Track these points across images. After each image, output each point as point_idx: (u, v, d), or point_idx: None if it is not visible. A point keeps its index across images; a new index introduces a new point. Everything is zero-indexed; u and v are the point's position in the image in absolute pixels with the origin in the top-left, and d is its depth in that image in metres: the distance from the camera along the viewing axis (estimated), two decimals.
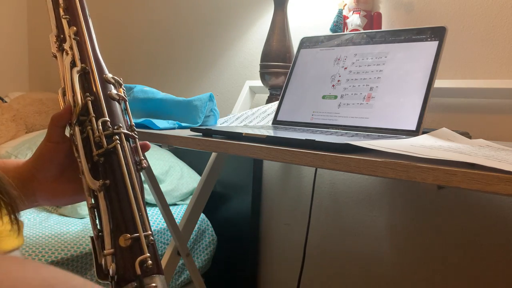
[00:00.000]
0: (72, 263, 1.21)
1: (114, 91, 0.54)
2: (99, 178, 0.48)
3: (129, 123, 0.54)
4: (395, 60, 0.82)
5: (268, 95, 1.23)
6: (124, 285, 0.43)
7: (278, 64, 1.17)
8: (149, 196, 1.53)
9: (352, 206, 1.32)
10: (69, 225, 1.36)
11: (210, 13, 1.68)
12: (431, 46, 0.78)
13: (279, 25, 1.18)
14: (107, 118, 0.51)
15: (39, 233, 1.28)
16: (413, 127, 0.74)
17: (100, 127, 0.50)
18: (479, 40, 1.06)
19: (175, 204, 1.58)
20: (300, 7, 1.37)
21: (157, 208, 1.42)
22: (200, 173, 1.58)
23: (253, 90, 1.42)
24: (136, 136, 0.53)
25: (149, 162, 1.29)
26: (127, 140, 0.52)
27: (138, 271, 0.43)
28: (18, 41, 2.39)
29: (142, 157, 0.52)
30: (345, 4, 1.13)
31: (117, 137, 0.50)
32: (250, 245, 1.55)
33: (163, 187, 1.46)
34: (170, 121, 0.95)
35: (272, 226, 1.53)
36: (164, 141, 0.85)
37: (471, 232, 1.11)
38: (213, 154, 1.32)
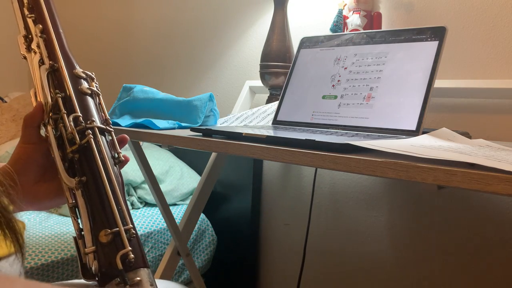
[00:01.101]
0: (72, 263, 1.21)
1: (85, 86, 0.53)
2: (76, 176, 0.48)
3: (104, 117, 0.53)
4: (395, 60, 0.82)
5: (268, 95, 1.23)
6: (108, 282, 0.42)
7: (278, 64, 1.17)
8: (149, 196, 1.53)
9: (352, 206, 1.32)
10: (69, 225, 1.36)
11: (210, 13, 1.68)
12: (431, 46, 0.78)
13: (279, 25, 1.18)
14: (79, 114, 0.50)
15: (39, 233, 1.28)
16: (413, 127, 0.74)
17: (72, 123, 0.49)
18: (479, 40, 1.06)
19: (175, 204, 1.58)
20: (300, 7, 1.37)
21: (157, 208, 1.42)
22: (200, 173, 1.58)
23: (253, 90, 1.42)
24: (112, 130, 0.52)
25: (149, 162, 1.29)
26: (103, 134, 0.51)
27: (120, 265, 0.43)
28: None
29: (120, 151, 0.51)
30: (345, 4, 1.13)
31: (90, 131, 0.49)
32: (250, 245, 1.55)
33: (163, 187, 1.46)
34: (170, 121, 0.95)
35: (272, 226, 1.53)
36: (164, 141, 0.85)
37: (471, 232, 1.11)
38: (213, 154, 1.32)
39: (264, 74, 1.19)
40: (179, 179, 1.59)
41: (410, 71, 0.79)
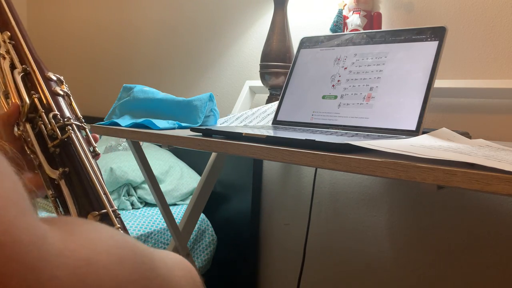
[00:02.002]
0: None
1: (57, 88, 0.57)
2: (57, 168, 0.51)
3: (76, 116, 0.57)
4: (395, 60, 0.82)
5: (268, 95, 1.23)
6: None
7: (278, 64, 1.17)
8: (149, 196, 1.53)
9: (352, 206, 1.32)
10: None
11: (210, 13, 1.68)
12: (431, 46, 0.78)
13: (279, 25, 1.18)
14: (56, 112, 0.54)
15: None
16: (413, 127, 0.74)
17: (52, 120, 0.53)
18: (479, 40, 1.06)
19: (175, 204, 1.58)
20: (300, 7, 1.37)
21: (157, 208, 1.42)
22: (200, 173, 1.58)
23: (253, 90, 1.42)
24: (86, 127, 0.56)
25: (149, 162, 1.29)
26: (79, 131, 0.55)
27: None
28: None
29: (95, 145, 0.55)
30: (345, 4, 1.13)
31: (70, 127, 0.53)
32: (250, 245, 1.55)
33: (163, 187, 1.46)
34: (170, 121, 0.95)
35: (272, 226, 1.53)
36: (164, 141, 0.85)
37: (471, 232, 1.11)
38: (213, 154, 1.32)
39: (264, 74, 1.19)
40: (179, 179, 1.59)
41: (410, 71, 0.79)
